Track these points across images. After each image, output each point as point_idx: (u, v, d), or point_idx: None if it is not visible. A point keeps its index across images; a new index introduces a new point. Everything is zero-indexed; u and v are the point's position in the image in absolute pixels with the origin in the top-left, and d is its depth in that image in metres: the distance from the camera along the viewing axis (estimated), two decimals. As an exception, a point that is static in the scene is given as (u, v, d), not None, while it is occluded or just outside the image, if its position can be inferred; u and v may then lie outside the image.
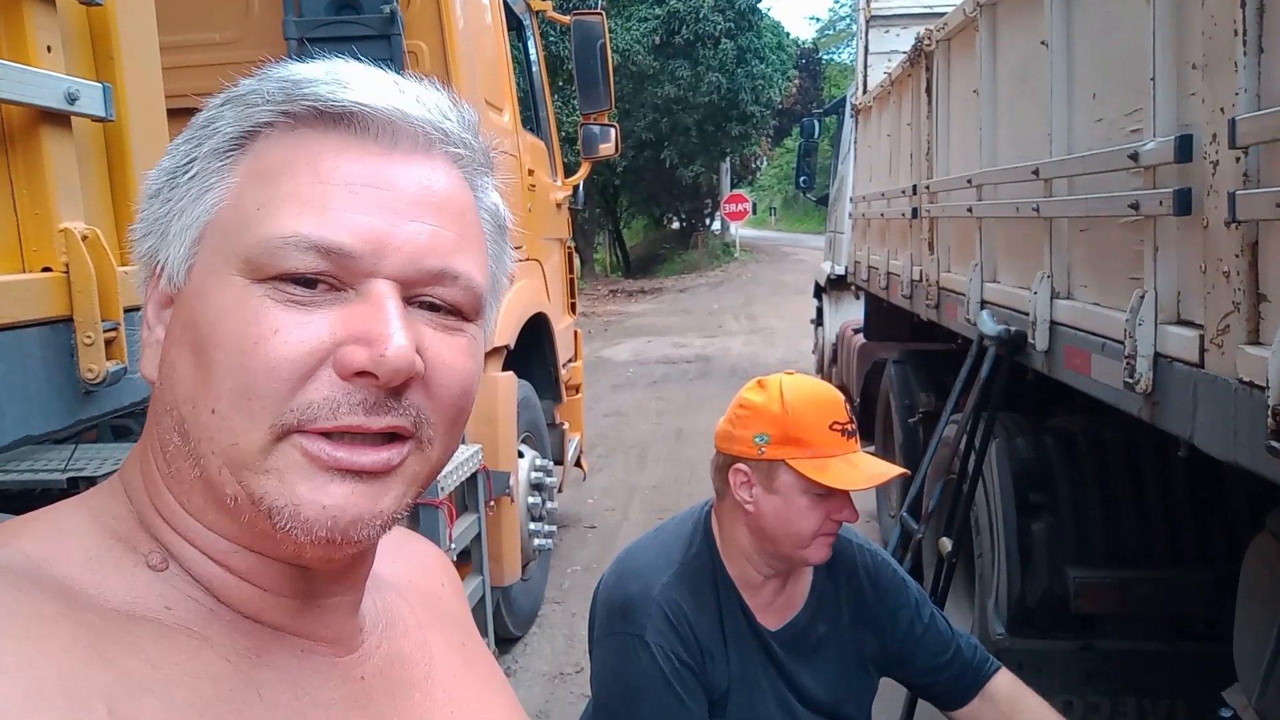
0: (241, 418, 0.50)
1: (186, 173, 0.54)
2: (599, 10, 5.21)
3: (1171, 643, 2.56)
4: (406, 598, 0.69)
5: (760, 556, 1.50)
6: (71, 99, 1.19)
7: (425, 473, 0.55)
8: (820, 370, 8.59)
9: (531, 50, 5.04)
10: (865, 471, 1.43)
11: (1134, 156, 1.76)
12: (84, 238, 1.18)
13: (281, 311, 0.50)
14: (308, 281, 0.51)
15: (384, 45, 3.19)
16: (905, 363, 4.59)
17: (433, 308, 0.54)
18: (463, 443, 3.41)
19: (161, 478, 0.54)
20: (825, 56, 39.39)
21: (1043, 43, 2.33)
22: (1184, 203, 1.60)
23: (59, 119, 1.19)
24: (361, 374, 0.50)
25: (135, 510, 0.55)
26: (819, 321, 8.99)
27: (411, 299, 0.53)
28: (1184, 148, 1.60)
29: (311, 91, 0.53)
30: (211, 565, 0.54)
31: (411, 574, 0.72)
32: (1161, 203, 1.66)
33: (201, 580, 0.54)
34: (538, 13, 5.12)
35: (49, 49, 1.17)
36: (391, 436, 0.52)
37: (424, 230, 0.53)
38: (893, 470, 1.48)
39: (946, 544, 2.90)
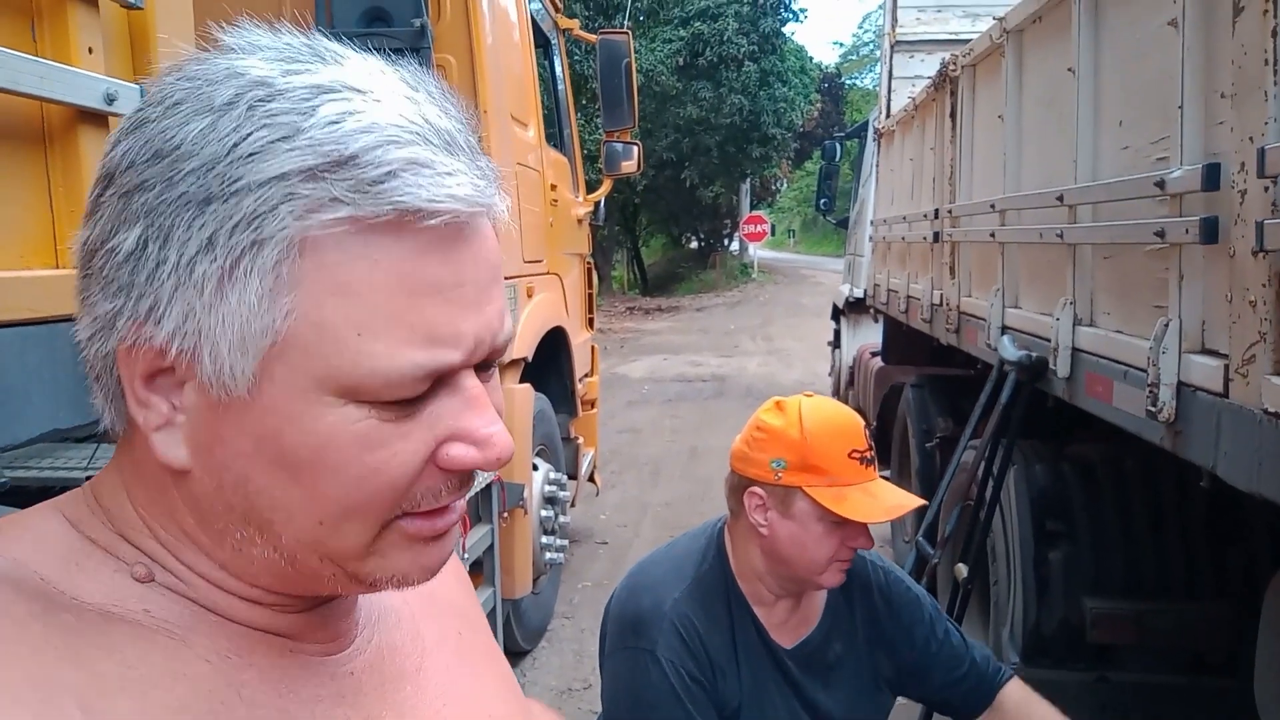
0: (355, 525, 0.51)
1: (240, 280, 0.46)
2: (625, 30, 5.25)
3: (1189, 677, 2.53)
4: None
5: (773, 578, 1.49)
6: (110, 99, 1.21)
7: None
8: (837, 393, 8.57)
9: (557, 68, 5.09)
10: (884, 503, 1.41)
11: (1160, 184, 1.76)
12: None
13: (392, 429, 0.49)
14: (408, 400, 0.50)
15: (413, 59, 3.22)
16: (923, 387, 4.57)
17: (481, 367, 0.55)
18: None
19: (191, 539, 0.53)
20: (848, 81, 39.53)
21: (1070, 69, 2.33)
22: (1210, 231, 1.59)
23: (97, 119, 1.21)
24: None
25: (117, 531, 0.53)
26: (836, 344, 8.97)
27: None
28: (1211, 176, 1.60)
29: (397, 197, 0.46)
30: (207, 585, 0.53)
31: None
32: (1188, 231, 1.65)
33: (189, 592, 0.53)
34: (565, 31, 5.17)
35: (90, 50, 1.20)
36: None
37: (496, 312, 0.53)
38: (912, 502, 1.46)
39: (962, 570, 2.87)
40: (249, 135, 0.46)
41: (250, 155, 0.46)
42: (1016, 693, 1.57)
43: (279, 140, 0.46)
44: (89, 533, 0.53)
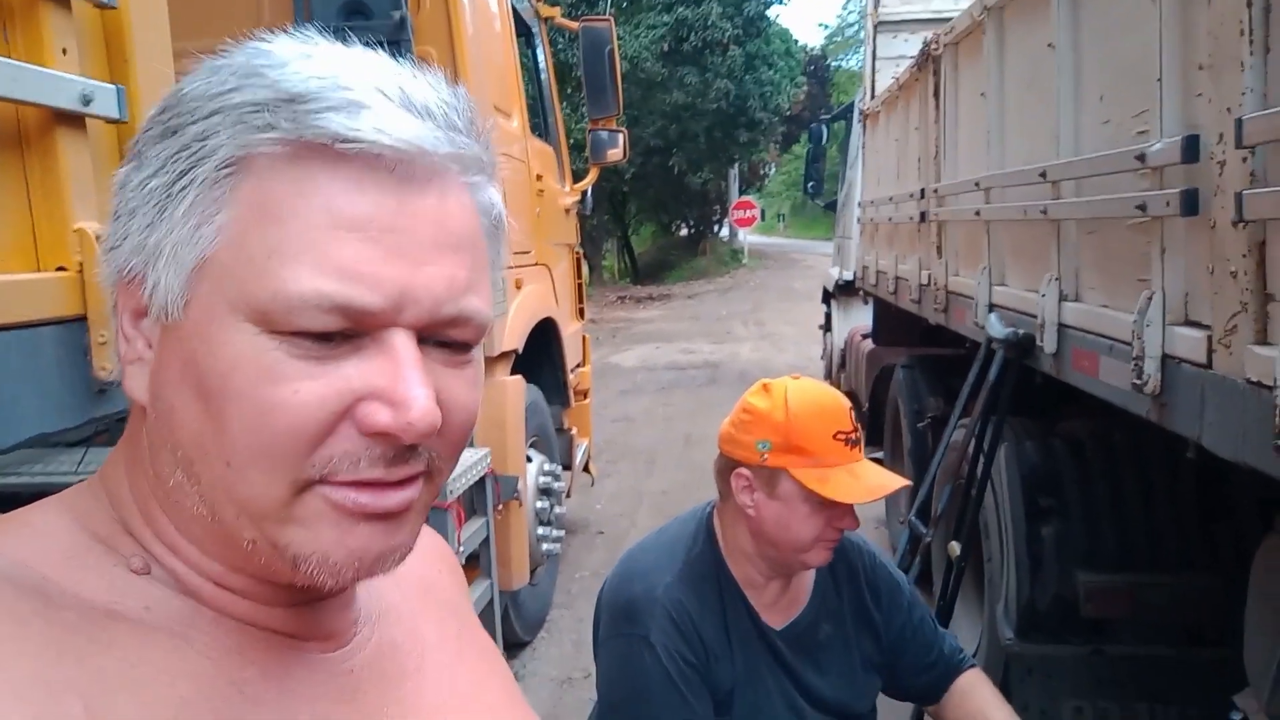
0: (260, 474, 0.49)
1: (179, 196, 0.49)
2: (607, 17, 5.23)
3: (1182, 647, 2.55)
4: (400, 585, 0.67)
5: (762, 559, 1.50)
6: (86, 100, 1.20)
7: (435, 496, 0.56)
8: (829, 376, 8.58)
9: (540, 57, 5.07)
10: (867, 483, 1.42)
11: (1141, 158, 1.77)
12: (98, 237, 1.19)
13: (300, 366, 0.48)
14: (324, 335, 0.49)
15: (393, 51, 3.21)
16: (914, 367, 4.59)
17: (444, 344, 0.53)
18: (471, 445, 3.42)
19: (158, 500, 0.53)
20: (834, 63, 39.45)
21: (1050, 45, 2.33)
22: (1191, 203, 1.60)
23: (73, 120, 1.21)
24: (381, 433, 0.50)
25: (118, 516, 0.54)
26: (827, 327, 8.99)
27: (425, 338, 0.52)
28: (1190, 148, 1.60)
29: (322, 121, 0.48)
30: (199, 579, 0.53)
31: (406, 561, 0.72)
32: (1169, 204, 1.66)
33: (186, 587, 0.53)
34: (546, 19, 5.15)
35: (64, 51, 1.19)
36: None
37: (441, 275, 0.51)
38: (896, 482, 1.48)
39: (955, 548, 2.89)
40: (226, 81, 0.50)
41: (217, 94, 0.50)
42: (965, 680, 1.61)
43: (245, 84, 0.49)
44: (92, 526, 0.53)
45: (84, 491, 0.56)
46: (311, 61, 0.50)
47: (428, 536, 0.78)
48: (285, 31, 0.53)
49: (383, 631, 0.63)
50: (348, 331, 0.49)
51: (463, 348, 0.53)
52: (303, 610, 0.57)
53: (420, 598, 0.69)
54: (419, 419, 0.49)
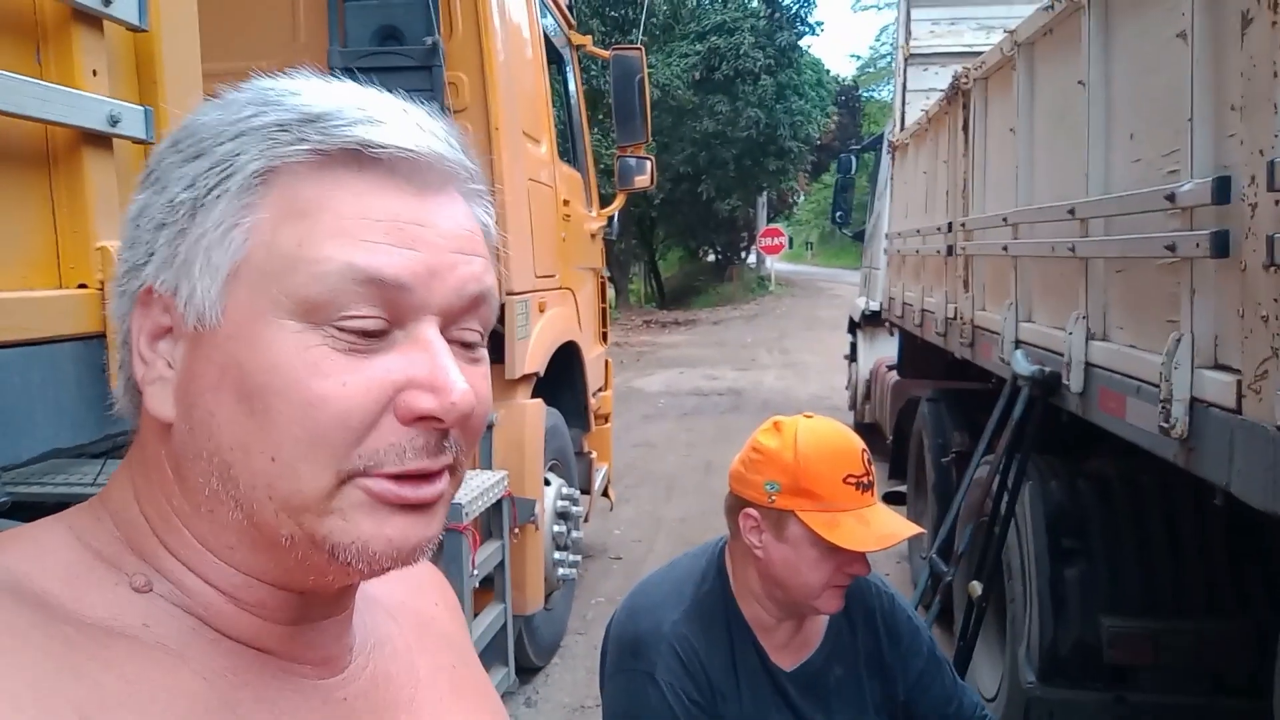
0: (307, 465, 0.50)
1: (210, 205, 0.52)
2: (638, 46, 5.27)
3: (1209, 697, 2.48)
4: (397, 618, 0.68)
5: (771, 601, 1.47)
6: (114, 121, 1.21)
7: (456, 491, 0.58)
8: (853, 406, 8.52)
9: (571, 83, 5.11)
10: (878, 531, 1.38)
11: (1171, 198, 1.74)
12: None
13: (344, 359, 0.51)
14: (364, 332, 0.51)
15: (425, 76, 3.26)
16: (939, 401, 4.53)
17: (462, 344, 0.55)
18: (489, 468, 3.42)
19: (176, 514, 0.54)
20: (865, 94, 39.49)
21: (1080, 82, 2.32)
22: (1221, 245, 1.57)
23: (101, 140, 1.22)
24: (424, 418, 0.52)
25: (122, 535, 0.55)
26: (853, 357, 8.93)
27: (448, 336, 0.55)
28: (1222, 189, 1.58)
29: (350, 132, 0.52)
30: (212, 593, 0.54)
31: (404, 594, 0.71)
32: (1199, 245, 1.63)
33: (192, 603, 0.54)
34: (578, 47, 5.20)
35: (94, 73, 1.21)
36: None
37: (462, 260, 0.54)
38: (908, 530, 1.44)
39: (977, 588, 2.84)
40: (243, 110, 0.53)
41: (238, 120, 0.53)
42: None
43: (265, 109, 0.53)
44: (93, 543, 0.54)
45: (84, 511, 0.56)
46: (324, 89, 0.54)
47: (427, 571, 0.78)
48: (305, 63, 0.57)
49: (378, 663, 0.63)
50: (383, 328, 0.52)
51: (474, 346, 0.57)
52: (302, 631, 0.57)
53: (416, 631, 0.69)
54: (461, 399, 0.52)
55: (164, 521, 0.54)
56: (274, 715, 0.53)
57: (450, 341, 0.54)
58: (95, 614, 0.50)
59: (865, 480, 1.41)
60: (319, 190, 0.52)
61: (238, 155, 0.52)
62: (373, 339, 0.51)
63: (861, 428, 7.21)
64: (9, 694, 0.44)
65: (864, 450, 1.44)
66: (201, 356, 0.52)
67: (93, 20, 1.21)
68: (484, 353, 0.58)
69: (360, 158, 0.52)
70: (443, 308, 0.53)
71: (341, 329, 0.51)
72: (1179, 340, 1.72)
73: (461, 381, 0.52)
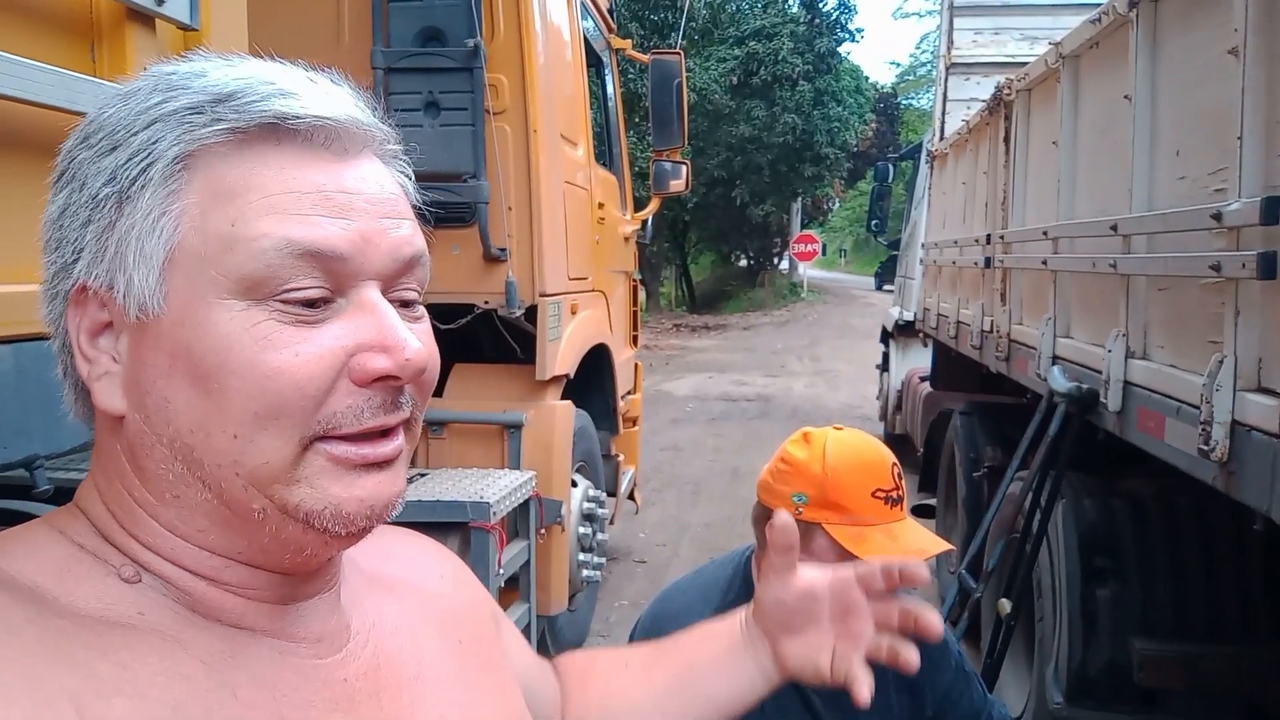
0: (269, 437, 0.51)
1: (135, 197, 0.52)
2: (677, 50, 5.27)
3: (1242, 725, 2.43)
4: (398, 596, 0.68)
5: None
6: (163, 119, 1.24)
7: (414, 445, 0.59)
8: (884, 417, 8.46)
9: (609, 87, 5.13)
10: (906, 545, 1.36)
11: (1217, 216, 1.71)
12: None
13: (292, 330, 0.51)
14: (308, 302, 0.52)
15: (466, 78, 3.28)
16: (972, 414, 4.48)
17: (402, 303, 0.57)
18: (517, 468, 3.43)
19: (140, 505, 0.54)
20: (904, 101, 39.20)
21: (1126, 96, 2.29)
22: (1269, 266, 1.54)
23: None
24: (380, 379, 0.53)
25: (100, 532, 0.55)
26: (885, 367, 8.87)
27: (388, 297, 0.56)
28: (1271, 210, 1.55)
29: (264, 106, 0.52)
30: (192, 579, 0.54)
31: (403, 571, 0.71)
32: (1245, 265, 1.61)
33: (178, 590, 0.54)
34: (617, 51, 5.22)
35: (146, 70, 1.23)
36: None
37: (391, 225, 0.56)
38: (937, 546, 1.42)
39: (1005, 605, 2.81)
40: (150, 98, 0.53)
41: (148, 108, 0.53)
42: None
43: (173, 95, 0.53)
44: (78, 539, 0.54)
45: (65, 512, 0.57)
46: (227, 67, 0.54)
47: (428, 547, 0.78)
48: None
49: (379, 641, 0.63)
50: (326, 297, 0.53)
51: (413, 304, 0.58)
52: (290, 609, 0.57)
53: (420, 608, 0.69)
54: (415, 355, 0.53)
55: (129, 514, 0.54)
56: (273, 696, 0.54)
57: (391, 302, 0.55)
58: (89, 605, 0.51)
59: (894, 495, 1.39)
60: (242, 169, 0.52)
61: (155, 143, 0.52)
62: (317, 308, 0.52)
63: (892, 439, 7.15)
64: (3, 687, 0.45)
65: (894, 465, 1.42)
66: (149, 345, 0.52)
67: (145, 19, 1.23)
68: (423, 310, 0.59)
69: (278, 131, 0.52)
70: (380, 272, 0.54)
71: (286, 302, 0.51)
72: (1221, 362, 1.69)
73: (413, 339, 0.54)
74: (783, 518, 0.83)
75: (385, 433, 0.55)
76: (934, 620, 0.78)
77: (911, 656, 0.79)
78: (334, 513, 0.53)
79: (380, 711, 0.59)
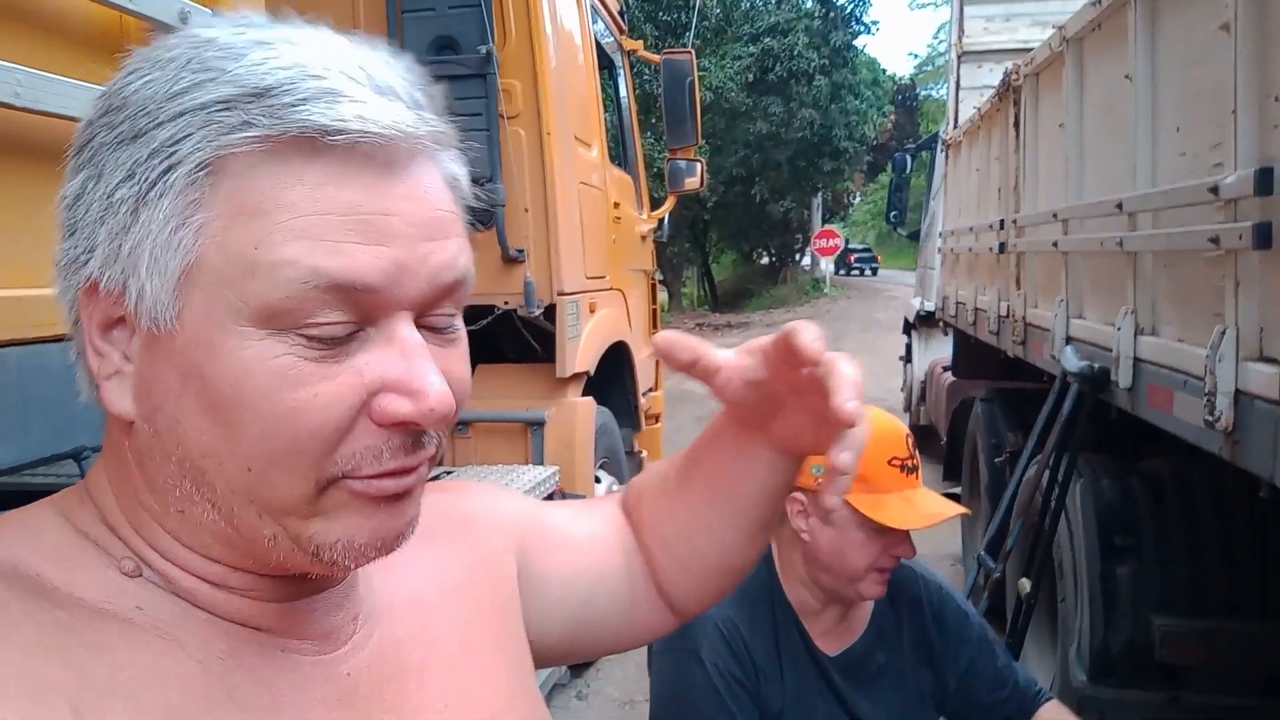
0: (284, 475, 0.49)
1: (154, 203, 0.48)
2: (689, 49, 5.32)
3: (1265, 698, 2.44)
4: (405, 579, 0.65)
5: (816, 584, 1.50)
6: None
7: (433, 467, 0.56)
8: (908, 408, 8.43)
9: (622, 87, 5.18)
10: (922, 510, 1.41)
11: (1214, 190, 1.74)
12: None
13: (313, 368, 0.48)
14: (332, 338, 0.48)
15: (480, 84, 3.35)
16: (993, 401, 4.48)
17: (434, 329, 0.53)
18: (540, 464, 3.49)
19: (150, 513, 0.52)
20: (923, 92, 38.98)
21: (1127, 76, 2.31)
22: (1264, 237, 1.57)
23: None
24: (401, 423, 0.50)
25: (106, 522, 0.53)
26: (908, 358, 8.85)
27: (421, 324, 0.52)
28: (1264, 181, 1.58)
29: (303, 114, 0.47)
30: (194, 580, 0.53)
31: (407, 550, 0.66)
32: (1241, 237, 1.63)
33: (179, 588, 0.52)
34: (629, 52, 5.27)
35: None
36: None
37: (434, 248, 0.51)
38: (952, 509, 1.46)
39: (1025, 585, 2.83)
40: (179, 79, 0.48)
41: (176, 94, 0.47)
42: (1045, 714, 1.55)
43: (205, 80, 0.47)
44: (82, 526, 0.52)
45: (71, 494, 0.55)
46: (271, 50, 0.48)
47: (441, 520, 0.71)
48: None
49: (385, 628, 0.61)
50: (352, 331, 0.49)
51: (449, 328, 0.54)
52: (297, 607, 0.56)
53: (429, 587, 0.66)
54: (439, 404, 0.49)
55: (135, 515, 0.53)
56: (272, 697, 0.52)
57: (423, 328, 0.52)
58: (87, 596, 0.49)
59: (910, 463, 1.44)
60: (272, 182, 0.47)
61: (179, 141, 0.47)
62: (341, 343, 0.48)
63: (917, 430, 7.12)
64: None
65: (908, 434, 1.47)
66: (161, 359, 0.49)
67: (169, 32, 1.30)
68: (460, 331, 0.55)
69: (315, 143, 0.47)
70: (415, 301, 0.50)
71: (309, 337, 0.47)
72: (1223, 333, 1.71)
73: (439, 383, 0.50)
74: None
75: (407, 469, 0.52)
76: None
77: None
78: (346, 545, 0.51)
79: (381, 703, 0.58)
